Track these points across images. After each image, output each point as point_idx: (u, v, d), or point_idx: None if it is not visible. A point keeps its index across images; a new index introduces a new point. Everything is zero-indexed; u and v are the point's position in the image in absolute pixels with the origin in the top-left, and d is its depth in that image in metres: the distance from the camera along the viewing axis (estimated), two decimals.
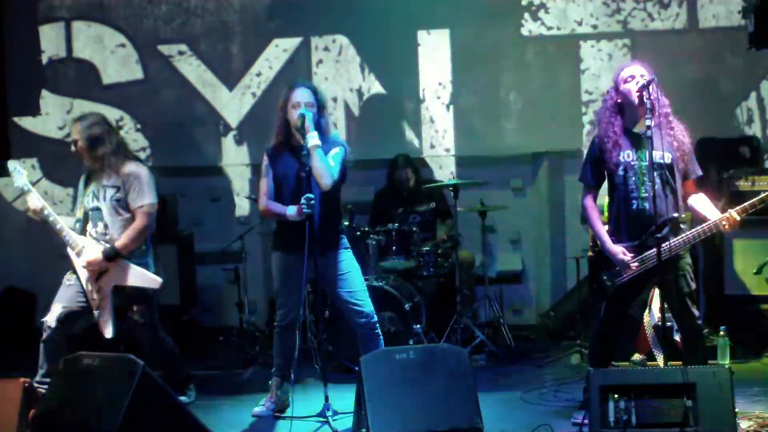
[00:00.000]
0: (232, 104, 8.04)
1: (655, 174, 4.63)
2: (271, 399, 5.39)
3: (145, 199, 5.32)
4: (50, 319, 5.29)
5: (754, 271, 6.04)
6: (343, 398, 5.13)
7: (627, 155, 4.77)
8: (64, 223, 5.33)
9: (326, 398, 5.02)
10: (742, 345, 6.26)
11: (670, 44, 7.53)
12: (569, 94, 7.74)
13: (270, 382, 5.46)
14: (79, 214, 5.42)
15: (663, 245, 4.53)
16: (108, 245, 5.26)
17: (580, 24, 7.68)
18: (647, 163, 4.68)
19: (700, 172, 4.90)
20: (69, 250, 5.34)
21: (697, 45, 7.54)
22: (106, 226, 5.33)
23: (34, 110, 8.11)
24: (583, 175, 4.96)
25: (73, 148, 5.40)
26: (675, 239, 4.68)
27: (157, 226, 5.50)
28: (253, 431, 5.13)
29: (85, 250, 5.27)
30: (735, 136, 7.31)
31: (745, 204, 4.66)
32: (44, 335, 5.29)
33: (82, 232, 5.38)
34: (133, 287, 5.30)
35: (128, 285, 5.27)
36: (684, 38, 7.56)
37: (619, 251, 4.73)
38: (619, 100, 4.81)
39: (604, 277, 4.80)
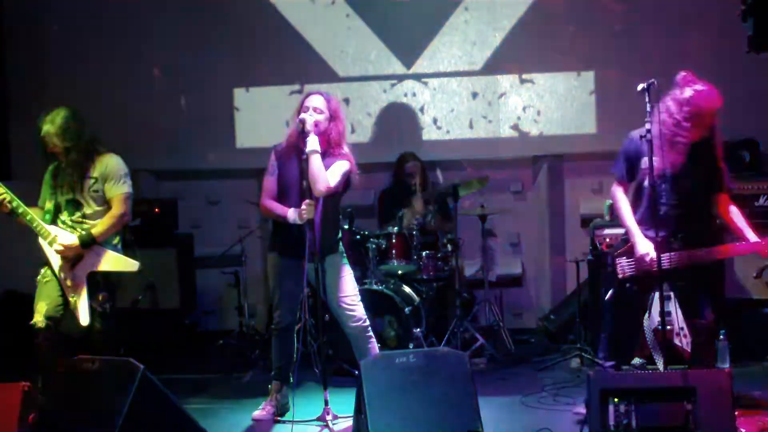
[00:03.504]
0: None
1: (685, 182, 4.64)
2: (271, 402, 5.39)
3: (121, 188, 5.34)
4: (38, 319, 5.22)
5: (755, 274, 6.04)
6: (343, 402, 5.12)
7: (663, 161, 4.68)
8: (35, 215, 5.26)
9: (326, 402, 5.02)
10: (742, 349, 6.25)
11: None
12: (570, 97, 7.75)
13: (270, 385, 5.45)
14: (49, 205, 5.35)
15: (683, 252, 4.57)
16: (84, 232, 5.26)
17: None
18: (679, 171, 4.68)
19: (730, 185, 4.86)
20: (41, 240, 5.28)
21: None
22: (84, 216, 5.32)
23: None
24: (616, 168, 4.95)
25: (49, 145, 5.29)
26: (698, 250, 4.69)
27: (158, 230, 5.49)
28: None
29: (60, 237, 5.24)
30: (735, 140, 7.29)
31: None
32: (37, 338, 5.23)
33: (53, 222, 5.33)
34: (102, 273, 5.28)
35: (105, 270, 5.25)
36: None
37: (646, 252, 4.71)
38: (686, 115, 4.64)
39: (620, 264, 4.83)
